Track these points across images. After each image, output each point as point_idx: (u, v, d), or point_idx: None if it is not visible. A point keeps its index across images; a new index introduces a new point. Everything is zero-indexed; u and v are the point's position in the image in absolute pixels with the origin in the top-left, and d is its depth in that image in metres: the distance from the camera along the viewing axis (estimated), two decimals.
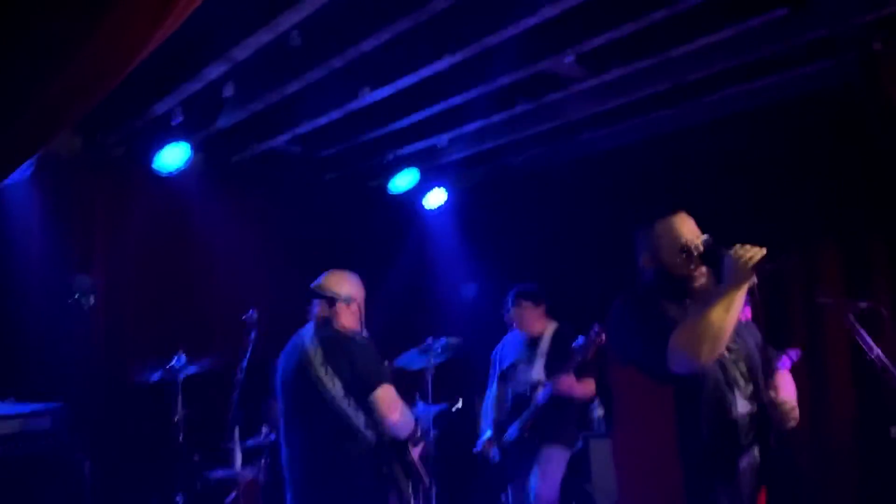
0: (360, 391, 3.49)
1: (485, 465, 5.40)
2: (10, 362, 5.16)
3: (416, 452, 3.77)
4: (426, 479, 3.80)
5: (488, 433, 5.25)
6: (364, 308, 3.85)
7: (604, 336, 4.81)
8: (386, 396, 3.52)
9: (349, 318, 3.74)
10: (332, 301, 3.71)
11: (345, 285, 3.80)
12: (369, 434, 3.51)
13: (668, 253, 2.87)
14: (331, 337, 3.60)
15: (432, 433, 5.76)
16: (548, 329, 5.21)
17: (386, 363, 3.72)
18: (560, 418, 5.01)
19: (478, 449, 5.30)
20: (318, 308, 3.77)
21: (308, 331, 3.74)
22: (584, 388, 4.99)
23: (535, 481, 4.98)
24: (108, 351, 5.76)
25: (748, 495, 2.76)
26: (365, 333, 3.80)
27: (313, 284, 3.83)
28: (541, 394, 4.96)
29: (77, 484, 4.68)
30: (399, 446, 3.65)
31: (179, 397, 5.32)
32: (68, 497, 4.63)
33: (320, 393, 3.52)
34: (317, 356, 3.59)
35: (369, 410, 3.50)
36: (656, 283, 2.93)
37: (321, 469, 3.53)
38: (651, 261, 2.94)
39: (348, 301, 3.75)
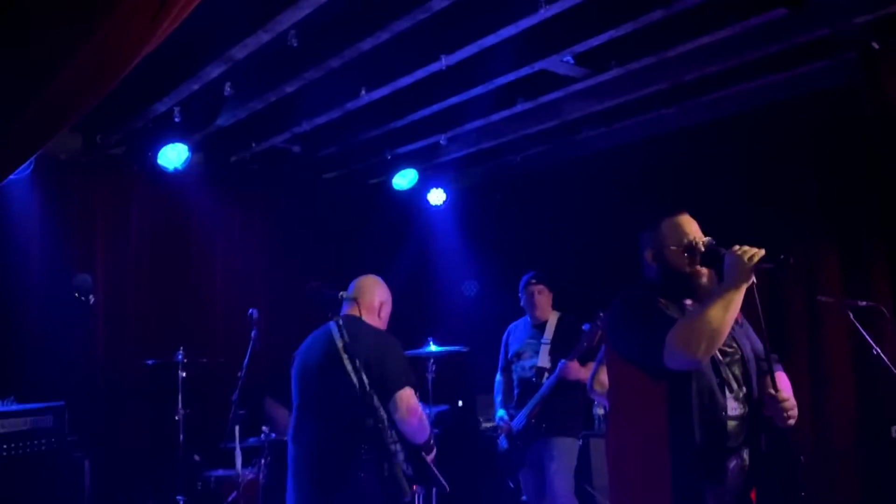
0: (385, 389, 3.46)
1: (487, 457, 5.44)
2: (11, 362, 5.17)
3: (429, 459, 3.75)
4: (446, 485, 3.73)
5: (501, 412, 5.32)
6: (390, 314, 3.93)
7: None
8: (408, 399, 3.50)
9: (375, 321, 3.80)
10: (360, 303, 3.74)
11: (375, 290, 3.87)
12: (388, 434, 3.44)
13: (672, 251, 2.90)
14: (361, 333, 3.58)
15: (434, 432, 5.77)
16: (552, 317, 5.35)
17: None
18: (567, 408, 5.10)
19: (497, 424, 5.36)
20: (346, 308, 3.79)
21: (335, 325, 3.66)
22: (588, 373, 5.03)
23: (551, 477, 5.03)
24: (109, 350, 5.76)
25: (736, 497, 2.78)
26: None
27: (332, 292, 3.78)
28: (547, 380, 5.06)
29: (77, 483, 4.69)
30: (415, 450, 3.63)
31: (179, 397, 5.33)
32: (68, 496, 4.64)
33: (343, 386, 3.46)
34: (345, 349, 3.54)
35: (389, 410, 3.47)
36: (658, 281, 2.96)
37: (333, 462, 3.50)
38: (654, 258, 2.97)
39: (375, 304, 3.82)
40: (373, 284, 3.90)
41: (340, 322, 3.64)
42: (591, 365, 5.01)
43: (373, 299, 3.84)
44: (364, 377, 3.41)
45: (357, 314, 3.69)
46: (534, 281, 5.36)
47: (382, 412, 3.43)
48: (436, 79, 4.88)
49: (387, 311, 3.91)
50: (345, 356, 3.51)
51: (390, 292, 3.96)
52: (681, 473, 2.71)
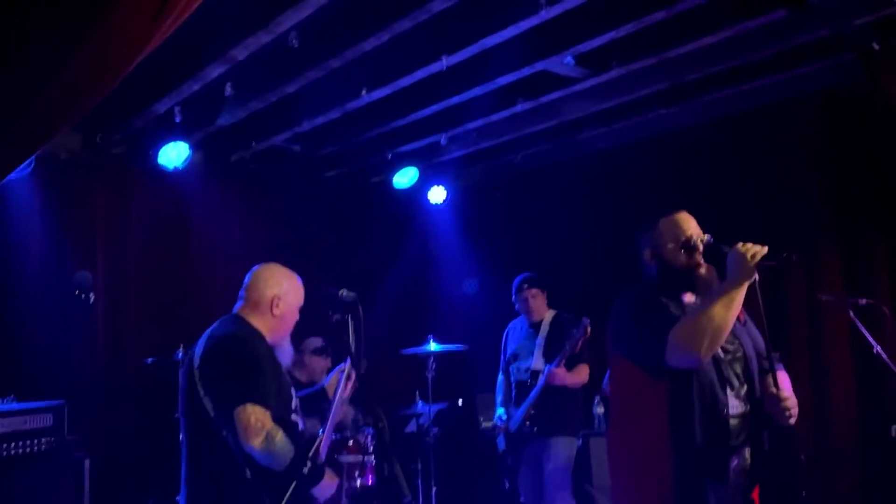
0: (227, 407, 2.86)
1: (487, 456, 5.44)
2: (11, 360, 5.16)
3: (323, 489, 3.06)
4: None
5: (500, 411, 5.33)
6: (295, 315, 3.29)
7: (590, 329, 4.91)
8: (248, 417, 2.80)
9: (267, 322, 3.17)
10: (247, 299, 3.20)
11: (267, 282, 3.21)
12: (242, 460, 2.88)
13: (671, 249, 2.91)
14: (216, 339, 3.02)
15: (433, 431, 5.78)
16: (547, 316, 5.34)
17: (284, 380, 3.10)
18: (564, 408, 5.09)
19: (495, 423, 5.36)
20: (236, 306, 3.22)
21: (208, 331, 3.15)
22: (577, 376, 5.10)
23: (548, 477, 5.03)
24: (109, 349, 5.76)
25: (739, 495, 2.78)
26: (287, 345, 3.29)
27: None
28: (537, 384, 5.06)
29: (77, 483, 4.68)
30: (291, 478, 2.92)
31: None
32: (68, 496, 4.63)
33: (196, 407, 2.96)
34: (195, 361, 3.01)
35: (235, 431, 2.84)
36: (658, 279, 2.96)
37: (197, 500, 2.98)
38: (653, 257, 2.97)
39: (265, 299, 3.17)
40: (264, 275, 3.23)
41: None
42: (581, 368, 5.12)
43: (262, 293, 3.17)
44: (208, 395, 2.92)
45: (243, 313, 3.16)
46: (526, 286, 5.33)
47: (230, 435, 2.86)
48: (436, 79, 4.88)
49: (286, 305, 3.20)
50: (194, 370, 2.98)
51: (296, 282, 3.30)
52: (683, 472, 2.72)
